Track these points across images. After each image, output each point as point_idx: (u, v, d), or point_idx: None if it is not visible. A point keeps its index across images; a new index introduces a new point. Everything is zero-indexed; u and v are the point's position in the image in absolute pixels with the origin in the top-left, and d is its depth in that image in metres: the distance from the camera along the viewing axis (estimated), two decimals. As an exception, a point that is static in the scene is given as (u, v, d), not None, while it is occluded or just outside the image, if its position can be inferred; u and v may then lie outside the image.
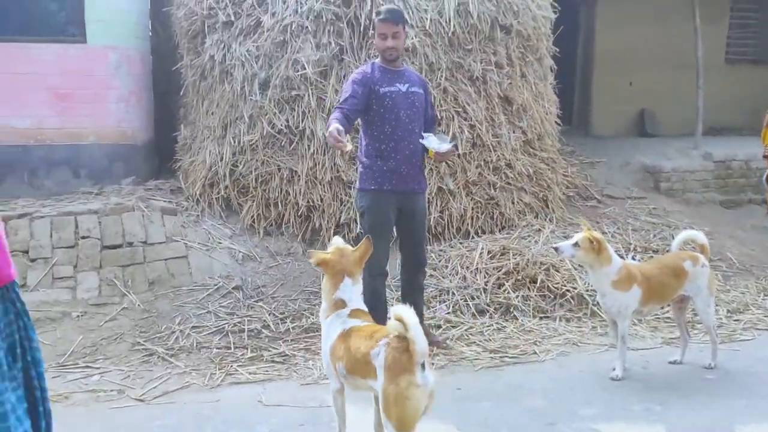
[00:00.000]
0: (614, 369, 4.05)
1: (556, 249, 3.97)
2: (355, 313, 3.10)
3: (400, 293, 4.79)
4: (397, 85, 4.27)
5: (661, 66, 9.92)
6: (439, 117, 5.80)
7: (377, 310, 4.37)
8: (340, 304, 3.11)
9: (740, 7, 10.54)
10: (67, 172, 6.54)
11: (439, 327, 4.95)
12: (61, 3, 6.62)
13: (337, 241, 3.29)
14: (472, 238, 6.07)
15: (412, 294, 4.60)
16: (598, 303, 5.24)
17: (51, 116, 6.43)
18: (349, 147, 3.84)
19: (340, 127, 3.80)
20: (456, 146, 4.47)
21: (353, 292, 3.14)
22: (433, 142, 4.21)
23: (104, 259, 5.30)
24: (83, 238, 5.37)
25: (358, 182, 4.45)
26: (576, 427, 3.44)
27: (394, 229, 4.57)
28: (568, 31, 8.26)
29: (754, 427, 3.42)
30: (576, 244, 3.92)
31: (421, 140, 4.28)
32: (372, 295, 4.35)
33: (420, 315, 4.66)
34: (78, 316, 4.80)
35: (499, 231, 6.21)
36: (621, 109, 10.19)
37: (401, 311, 2.62)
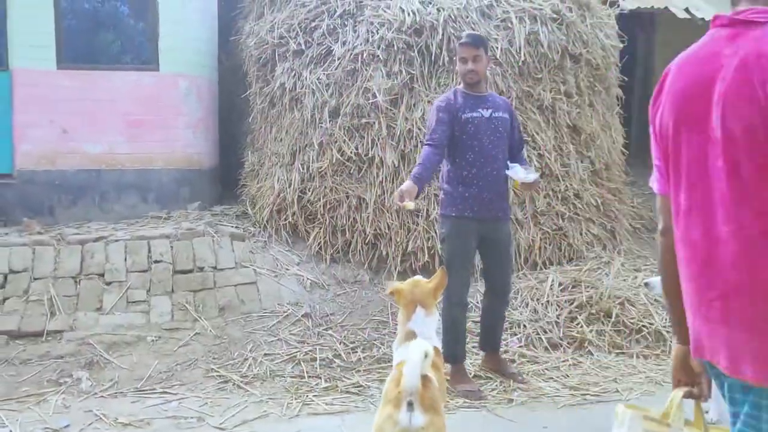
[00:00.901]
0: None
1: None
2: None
3: (480, 322, 4.74)
4: (480, 111, 4.26)
5: (723, 96, 9.73)
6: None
7: (458, 341, 4.39)
8: (411, 335, 2.98)
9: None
10: (136, 197, 6.65)
11: (513, 361, 4.84)
12: (137, 32, 6.82)
13: (417, 277, 3.24)
14: (540, 269, 5.96)
15: (492, 323, 4.57)
16: (677, 340, 5.12)
17: (122, 142, 6.57)
18: (411, 206, 3.91)
19: (412, 188, 3.88)
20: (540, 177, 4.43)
21: (425, 324, 3.02)
22: (519, 173, 4.16)
23: (176, 284, 5.34)
24: (156, 262, 5.42)
25: (440, 208, 4.46)
26: (676, 472, 3.28)
27: (478, 257, 4.53)
28: (627, 60, 8.19)
29: None
30: None
31: (507, 171, 4.23)
32: (452, 325, 4.35)
33: (497, 345, 4.64)
34: (153, 340, 4.82)
35: (567, 262, 6.09)
36: (681, 139, 9.98)
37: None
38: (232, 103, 7.96)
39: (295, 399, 4.21)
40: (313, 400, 4.21)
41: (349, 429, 3.81)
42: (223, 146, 7.74)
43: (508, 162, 4.27)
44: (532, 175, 4.19)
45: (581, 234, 6.26)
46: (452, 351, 4.31)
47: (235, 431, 3.82)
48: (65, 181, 6.46)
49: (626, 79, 7.15)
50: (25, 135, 6.41)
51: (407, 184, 3.93)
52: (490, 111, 4.30)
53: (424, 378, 2.45)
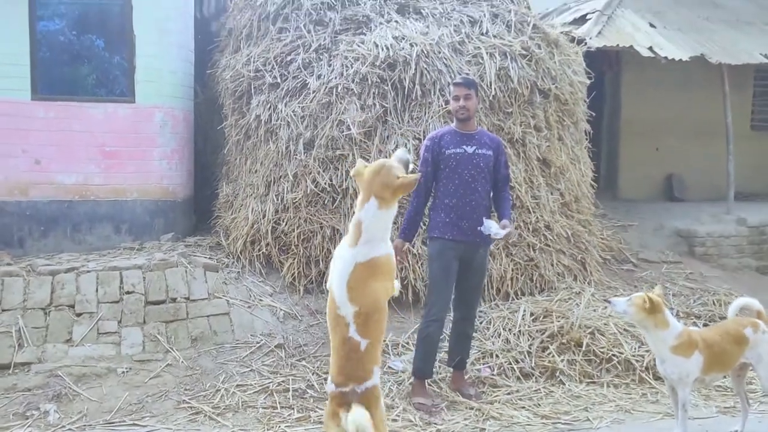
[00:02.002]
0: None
1: (608, 302, 3.97)
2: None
3: (448, 340, 4.92)
4: (463, 147, 4.64)
5: (687, 132, 10.05)
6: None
7: (427, 358, 4.69)
8: (358, 226, 2.87)
9: (764, 75, 10.69)
10: (109, 228, 6.60)
11: (483, 393, 4.87)
12: (114, 64, 6.84)
13: (388, 163, 3.02)
14: (512, 299, 6.02)
15: (459, 342, 4.82)
16: (646, 368, 5.20)
17: (97, 172, 6.55)
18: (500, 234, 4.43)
19: (400, 245, 4.61)
20: (514, 228, 4.71)
21: (376, 217, 2.85)
22: (492, 228, 4.45)
23: (148, 315, 5.29)
24: (128, 293, 5.38)
25: (427, 230, 4.81)
26: (645, 498, 3.33)
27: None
28: (594, 96, 8.43)
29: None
30: (629, 301, 3.91)
31: (479, 227, 4.50)
32: (426, 339, 4.64)
33: (462, 364, 4.86)
34: (123, 372, 4.76)
35: (539, 293, 6.17)
36: (648, 173, 10.25)
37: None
38: (207, 135, 8.00)
39: (268, 430, 4.19)
40: (285, 431, 4.18)
41: (322, 459, 3.78)
42: (198, 177, 7.74)
43: (483, 218, 4.55)
44: (502, 232, 4.45)
45: (552, 265, 6.35)
46: (420, 365, 4.67)
47: (206, 463, 3.78)
48: (37, 211, 6.40)
49: (593, 114, 7.34)
50: (-3, 165, 6.36)
51: (397, 242, 4.53)
52: (474, 148, 4.67)
53: None
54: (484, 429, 4.26)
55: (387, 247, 2.98)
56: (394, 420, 4.29)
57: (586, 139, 7.34)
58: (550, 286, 6.27)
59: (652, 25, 8.85)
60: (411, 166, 3.21)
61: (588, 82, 7.22)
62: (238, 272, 6.04)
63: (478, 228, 4.51)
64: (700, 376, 3.92)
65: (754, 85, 10.77)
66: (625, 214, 8.90)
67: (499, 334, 5.51)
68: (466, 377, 4.96)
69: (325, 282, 5.85)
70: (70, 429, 4.15)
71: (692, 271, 7.42)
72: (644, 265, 7.42)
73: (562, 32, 7.59)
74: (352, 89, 5.99)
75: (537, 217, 6.33)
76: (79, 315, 5.15)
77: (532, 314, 5.69)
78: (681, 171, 10.31)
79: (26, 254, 6.23)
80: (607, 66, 10.16)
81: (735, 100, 9.66)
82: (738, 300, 4.34)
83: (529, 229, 6.29)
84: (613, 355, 5.30)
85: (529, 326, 5.57)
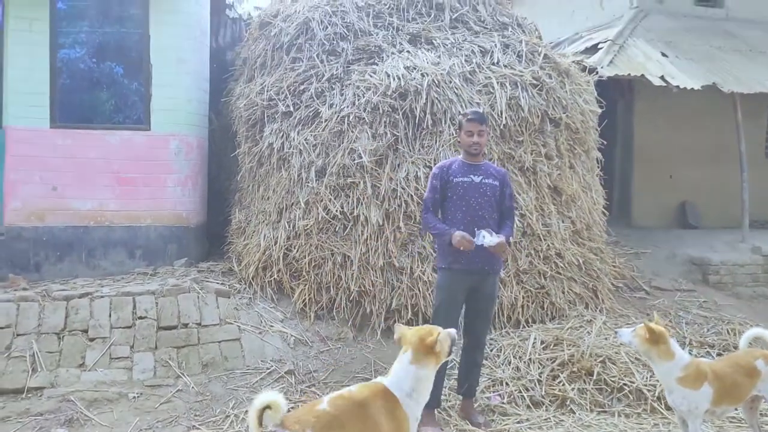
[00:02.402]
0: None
1: (616, 332, 3.97)
2: (367, 388, 3.12)
3: (458, 368, 4.90)
4: (471, 177, 4.68)
5: (701, 160, 10.04)
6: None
7: (434, 385, 4.47)
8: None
9: (778, 103, 10.68)
10: (123, 253, 6.70)
11: (493, 421, 4.84)
12: (130, 93, 7.01)
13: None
14: (523, 327, 6.01)
15: (468, 369, 4.80)
16: (657, 398, 5.15)
17: (112, 199, 6.67)
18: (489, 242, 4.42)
19: (461, 234, 4.46)
20: (506, 240, 4.64)
21: (406, 371, 3.12)
22: (486, 238, 4.47)
23: (160, 340, 5.34)
24: (140, 318, 5.44)
25: (436, 260, 4.84)
26: None
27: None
28: (607, 124, 8.46)
29: None
30: (633, 332, 3.90)
31: (474, 238, 4.52)
32: None
33: (472, 392, 4.82)
34: (134, 397, 4.79)
35: (550, 321, 6.15)
36: (661, 200, 10.23)
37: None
38: (221, 162, 8.12)
39: (276, 457, 4.18)
40: (293, 458, 4.18)
41: (329, 487, 3.77)
42: (212, 204, 7.84)
43: (476, 229, 4.54)
44: (494, 240, 4.46)
45: (563, 293, 6.34)
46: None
47: (214, 490, 3.79)
48: (53, 237, 6.52)
49: (605, 142, 7.36)
50: (15, 192, 6.50)
51: (458, 233, 4.45)
52: (480, 177, 4.72)
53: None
54: (493, 458, 4.23)
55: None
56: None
57: (598, 167, 7.36)
58: (561, 314, 6.25)
59: (664, 55, 8.90)
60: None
61: (599, 110, 7.26)
62: (250, 298, 6.09)
63: (473, 238, 4.50)
64: (710, 408, 3.88)
65: (768, 114, 10.76)
66: (638, 241, 8.87)
67: (510, 362, 5.49)
68: (475, 405, 4.94)
69: (336, 309, 5.94)
70: (80, 454, 4.18)
71: (706, 300, 7.36)
72: (657, 293, 7.37)
73: (573, 61, 7.65)
74: (364, 118, 6.08)
75: (548, 245, 6.33)
76: (92, 340, 5.21)
77: (542, 342, 5.66)
78: (695, 198, 10.27)
79: (42, 279, 6.33)
80: (619, 94, 10.20)
81: (749, 128, 9.66)
82: (750, 330, 4.31)
83: (540, 256, 6.29)
84: (625, 384, 5.25)
85: (539, 354, 5.54)
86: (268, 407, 2.70)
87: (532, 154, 6.35)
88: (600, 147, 7.41)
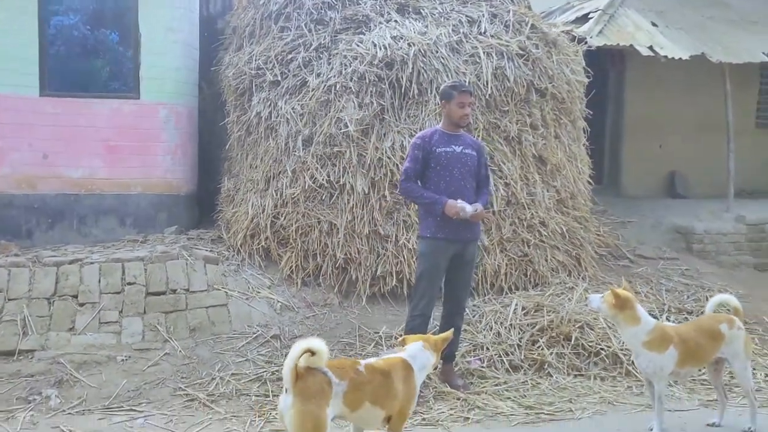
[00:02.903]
0: (651, 429, 4.06)
1: (587, 298, 4.10)
2: (390, 359, 3.42)
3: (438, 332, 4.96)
4: (453, 147, 4.77)
5: (691, 129, 10.08)
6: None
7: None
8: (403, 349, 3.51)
9: (770, 73, 10.70)
10: (114, 221, 6.81)
11: (471, 383, 4.99)
12: (120, 62, 7.05)
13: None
14: (506, 294, 6.13)
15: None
16: (632, 362, 5.29)
17: (102, 167, 6.75)
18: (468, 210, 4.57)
19: (453, 202, 4.59)
20: (486, 208, 4.83)
21: (420, 351, 3.47)
22: (466, 206, 4.61)
23: (148, 305, 5.46)
24: (129, 284, 5.55)
25: (419, 230, 4.93)
26: (615, 485, 3.45)
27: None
28: (598, 94, 8.49)
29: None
30: (602, 298, 4.03)
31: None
32: (410, 333, 4.60)
33: (452, 356, 4.94)
34: (123, 360, 4.93)
35: (533, 288, 6.28)
36: (651, 170, 10.30)
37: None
38: (212, 131, 8.16)
39: (259, 416, 4.34)
40: (275, 418, 4.32)
41: (309, 445, 3.92)
42: (203, 172, 7.92)
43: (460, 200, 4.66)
44: (468, 207, 4.62)
45: (546, 260, 6.46)
46: None
47: (197, 447, 3.94)
48: (44, 204, 6.61)
49: (591, 112, 7.41)
50: (5, 159, 6.57)
51: (451, 202, 4.58)
52: (461, 147, 4.83)
53: (307, 370, 2.98)
54: (468, 418, 4.39)
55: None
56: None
57: (585, 137, 7.41)
58: (544, 281, 6.37)
59: (654, 24, 8.88)
60: None
61: (587, 81, 7.29)
62: (238, 265, 6.20)
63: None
64: (675, 370, 4.02)
65: (760, 83, 10.76)
66: (625, 210, 8.96)
67: (491, 328, 5.63)
68: (455, 369, 5.08)
69: (322, 276, 6.06)
70: (69, 413, 4.33)
71: (688, 268, 7.49)
72: (641, 261, 7.50)
73: (563, 31, 7.66)
74: (351, 87, 6.13)
75: (532, 214, 6.43)
76: (82, 305, 5.33)
77: (523, 308, 5.80)
78: (684, 168, 10.34)
79: (34, 246, 6.43)
80: (611, 64, 10.21)
81: (740, 98, 9.70)
82: (717, 296, 4.45)
83: (524, 225, 6.40)
84: (602, 348, 5.41)
85: (520, 320, 5.67)
86: (310, 351, 2.94)
87: (517, 123, 6.41)
88: (589, 117, 7.45)
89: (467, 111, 4.77)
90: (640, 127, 10.15)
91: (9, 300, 5.25)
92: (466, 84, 4.89)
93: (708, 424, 4.29)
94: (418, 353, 3.44)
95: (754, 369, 5.39)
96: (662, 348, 3.95)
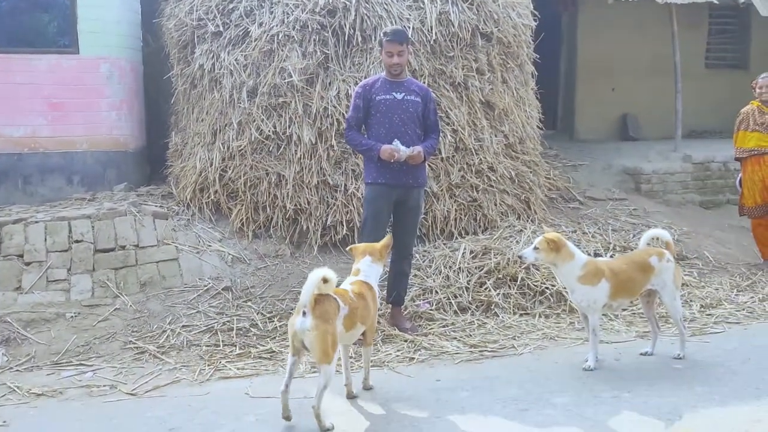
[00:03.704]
0: (587, 360, 4.24)
1: (520, 257, 4.19)
2: (357, 283, 3.84)
3: (386, 278, 5.13)
4: (393, 94, 4.84)
5: (643, 72, 10.19)
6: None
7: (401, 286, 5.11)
8: (356, 272, 3.94)
9: (719, 14, 10.78)
10: (61, 179, 6.71)
11: (420, 326, 5.12)
12: (54, 15, 6.82)
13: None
14: (456, 239, 6.24)
15: (395, 279, 5.08)
16: (574, 299, 5.49)
17: (45, 125, 6.61)
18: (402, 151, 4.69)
19: (387, 147, 4.70)
20: (434, 154, 4.99)
21: (370, 267, 3.93)
22: (401, 148, 4.73)
23: (97, 262, 5.45)
24: (77, 242, 5.52)
25: (363, 177, 5.06)
26: (547, 413, 3.61)
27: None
28: (551, 38, 8.49)
29: (714, 410, 3.61)
30: (536, 248, 4.13)
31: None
32: None
33: (400, 300, 5.10)
34: (72, 316, 4.95)
35: (482, 232, 6.40)
36: (604, 113, 10.43)
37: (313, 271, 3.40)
38: (159, 86, 8.01)
39: (208, 365, 4.42)
40: (225, 366, 4.42)
41: (256, 389, 4.03)
42: (153, 128, 7.80)
43: (394, 141, 4.75)
44: (406, 150, 4.73)
45: (495, 205, 6.56)
46: None
47: (146, 396, 4.01)
48: (-14, 165, 6.49)
49: (540, 57, 7.42)
50: (-58, 119, 6.40)
51: (385, 147, 4.70)
52: (402, 94, 4.89)
53: (321, 296, 3.38)
54: (414, 358, 4.51)
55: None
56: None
57: (534, 81, 7.45)
58: (494, 225, 6.49)
59: (602, -36, 8.85)
60: None
61: (534, 24, 7.28)
62: (188, 219, 6.19)
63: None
64: (608, 302, 4.18)
65: (709, 23, 10.86)
66: (578, 154, 9.10)
67: (440, 272, 5.74)
68: (404, 312, 5.21)
69: (273, 227, 6.08)
70: (17, 370, 4.36)
71: (636, 208, 7.67)
72: (590, 203, 7.66)
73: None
74: (293, 36, 6.05)
75: (480, 159, 6.49)
76: (28, 264, 5.29)
77: (472, 252, 5.92)
78: (636, 111, 10.49)
79: (-23, 207, 6.33)
80: (563, 7, 10.20)
81: (689, 39, 9.82)
82: (649, 231, 4.59)
83: (472, 171, 6.47)
84: (546, 288, 5.57)
85: (468, 263, 5.79)
86: (324, 279, 3.35)
87: (463, 69, 6.41)
88: (538, 62, 7.47)
89: (396, 60, 4.78)
90: (592, 71, 10.23)
91: (-49, 262, 5.19)
92: (398, 32, 4.85)
93: (641, 353, 4.48)
94: (370, 270, 3.92)
95: (690, 300, 5.66)
96: (594, 281, 4.10)
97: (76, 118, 6.68)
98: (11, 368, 4.38)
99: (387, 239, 4.11)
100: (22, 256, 5.33)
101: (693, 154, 8.63)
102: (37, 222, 5.58)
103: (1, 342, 4.58)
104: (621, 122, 10.57)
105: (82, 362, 4.49)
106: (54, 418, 3.73)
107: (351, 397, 3.86)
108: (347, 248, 4.33)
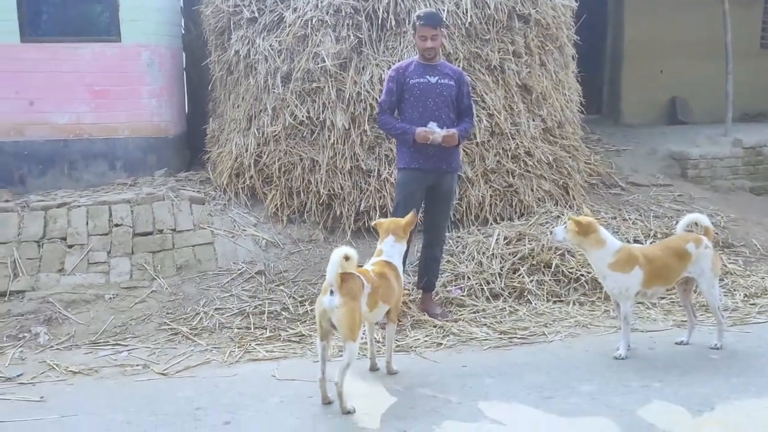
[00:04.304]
0: (618, 349, 4.14)
1: (551, 232, 4.10)
2: (379, 263, 3.88)
3: (418, 264, 5.16)
4: (427, 77, 4.79)
5: (692, 53, 9.82)
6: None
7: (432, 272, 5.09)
8: (379, 252, 3.99)
9: (776, -8, 10.32)
10: (104, 165, 6.89)
11: (450, 312, 5.09)
12: (98, 4, 6.98)
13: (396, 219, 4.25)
14: (491, 225, 6.16)
15: (427, 264, 5.04)
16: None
17: (88, 112, 6.79)
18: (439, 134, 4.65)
19: (421, 130, 4.67)
20: (468, 138, 5.00)
21: (392, 247, 3.98)
22: (435, 129, 4.68)
23: (136, 246, 5.59)
24: (116, 225, 5.67)
25: (396, 162, 5.06)
26: (572, 401, 3.55)
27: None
28: (595, 18, 8.25)
29: (749, 402, 3.48)
30: (566, 228, 4.04)
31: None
32: None
33: (431, 285, 5.06)
34: (110, 298, 5.09)
35: (518, 218, 6.30)
36: (652, 97, 10.12)
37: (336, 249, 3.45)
38: (200, 72, 8.12)
39: (238, 347, 4.49)
40: (255, 348, 4.49)
41: (282, 372, 4.08)
42: (194, 114, 7.93)
43: (429, 123, 4.71)
44: (440, 131, 4.69)
45: (532, 190, 6.45)
46: None
47: (176, 376, 4.10)
48: (34, 150, 6.70)
49: (581, 39, 7.23)
50: (-8, 107, 6.64)
51: (420, 129, 4.67)
52: (437, 78, 4.83)
53: (345, 274, 3.45)
54: (442, 344, 4.49)
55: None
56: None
57: (575, 64, 7.26)
58: (530, 211, 6.38)
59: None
60: None
61: (575, 5, 7.09)
62: (224, 204, 6.28)
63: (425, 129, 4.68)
64: (641, 290, 4.06)
65: (765, 3, 10.39)
66: (622, 138, 8.87)
67: (473, 258, 5.69)
68: (435, 298, 5.18)
69: (307, 213, 6.13)
70: (57, 349, 4.52)
71: (681, 194, 7.43)
72: (633, 189, 7.46)
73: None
74: (327, 21, 6.04)
75: (517, 144, 6.38)
76: (70, 246, 5.47)
77: (506, 238, 5.84)
78: (685, 94, 10.15)
79: (27, 192, 6.53)
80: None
81: (742, 19, 9.41)
82: (688, 216, 4.44)
83: (508, 155, 6.37)
84: (581, 275, 5.46)
85: (502, 250, 5.72)
86: (346, 257, 3.43)
87: (499, 52, 6.30)
88: (579, 43, 7.27)
89: (429, 44, 4.73)
90: (640, 52, 9.92)
91: None
92: (431, 15, 4.81)
93: (676, 342, 4.36)
94: (393, 250, 3.97)
95: (734, 289, 5.46)
96: (628, 268, 3.99)
97: (118, 105, 6.84)
98: (52, 347, 4.54)
99: (410, 216, 4.11)
100: (65, 239, 5.51)
101: (744, 138, 8.29)
102: (79, 206, 5.76)
103: (43, 321, 4.76)
104: (670, 106, 10.24)
105: (119, 342, 4.62)
106: (89, 395, 3.85)
107: (374, 369, 4.02)
108: (372, 223, 4.38)
